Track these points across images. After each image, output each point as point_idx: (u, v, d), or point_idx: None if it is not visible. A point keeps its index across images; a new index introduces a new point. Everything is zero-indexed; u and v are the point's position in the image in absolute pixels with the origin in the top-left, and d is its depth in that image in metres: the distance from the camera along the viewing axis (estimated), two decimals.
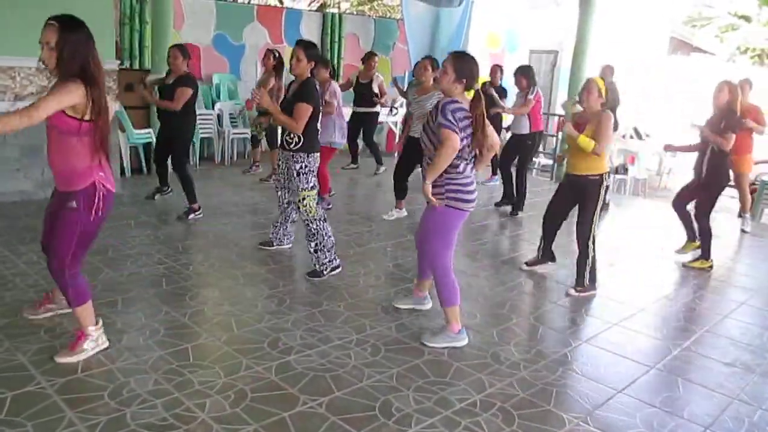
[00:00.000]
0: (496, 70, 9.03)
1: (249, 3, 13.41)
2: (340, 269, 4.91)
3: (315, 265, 4.84)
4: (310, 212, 4.80)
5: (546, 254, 5.31)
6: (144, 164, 8.26)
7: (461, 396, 3.25)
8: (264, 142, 8.53)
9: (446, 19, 10.75)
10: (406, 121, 6.99)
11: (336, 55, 11.05)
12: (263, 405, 3.03)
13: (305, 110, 4.67)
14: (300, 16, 10.92)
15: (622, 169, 10.34)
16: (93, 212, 3.16)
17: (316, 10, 13.59)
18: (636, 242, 6.61)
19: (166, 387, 3.13)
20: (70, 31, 3.00)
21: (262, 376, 3.29)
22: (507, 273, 5.31)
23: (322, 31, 10.94)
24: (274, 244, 5.43)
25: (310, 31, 10.79)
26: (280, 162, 5.01)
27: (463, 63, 3.68)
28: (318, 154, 4.90)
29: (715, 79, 5.69)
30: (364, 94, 9.00)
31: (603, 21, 9.89)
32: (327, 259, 4.83)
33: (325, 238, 4.83)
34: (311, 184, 4.82)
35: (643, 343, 4.13)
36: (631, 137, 12.71)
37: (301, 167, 4.77)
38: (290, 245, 5.47)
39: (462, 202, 3.68)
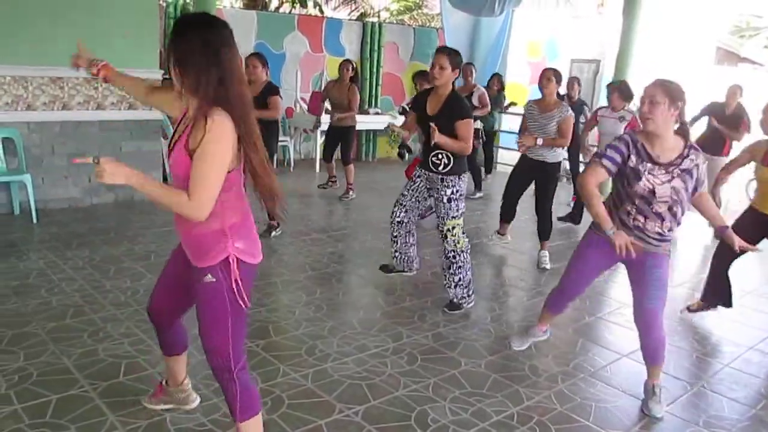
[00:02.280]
0: (574, 83, 8.36)
1: (290, 13, 13.60)
2: (473, 303, 4.55)
3: (454, 298, 4.48)
4: (459, 243, 4.38)
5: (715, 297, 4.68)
6: None
7: (498, 408, 3.22)
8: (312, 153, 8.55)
9: (486, 28, 10.74)
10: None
11: (376, 64, 11.10)
12: (299, 412, 3.05)
13: (471, 126, 4.27)
14: (340, 25, 11.01)
15: None
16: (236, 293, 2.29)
17: (356, 20, 13.69)
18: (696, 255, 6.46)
19: (204, 392, 3.17)
20: (183, 35, 2.12)
21: (298, 383, 3.31)
22: (547, 284, 5.24)
23: (362, 40, 11.01)
24: (396, 269, 4.97)
25: (350, 41, 10.87)
26: (418, 179, 4.51)
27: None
28: (466, 174, 4.49)
29: (763, 91, 5.54)
30: None
31: (647, 30, 9.73)
32: (467, 293, 4.49)
33: (468, 272, 4.46)
34: (460, 211, 4.38)
35: (686, 360, 4.03)
36: None
37: (453, 192, 4.31)
38: (413, 272, 5.02)
39: None
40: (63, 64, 6.40)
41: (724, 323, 4.63)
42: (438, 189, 4.35)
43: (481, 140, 8.84)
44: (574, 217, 7.28)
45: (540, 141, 5.35)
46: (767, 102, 4.23)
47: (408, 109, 4.81)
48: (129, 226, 6.07)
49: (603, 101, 7.25)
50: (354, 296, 4.63)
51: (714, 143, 7.04)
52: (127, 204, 6.87)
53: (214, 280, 2.25)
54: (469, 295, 4.48)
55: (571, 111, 5.43)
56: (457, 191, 4.33)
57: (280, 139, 9.62)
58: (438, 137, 4.12)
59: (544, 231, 5.73)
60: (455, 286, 4.43)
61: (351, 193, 7.87)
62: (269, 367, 3.47)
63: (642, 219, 3.12)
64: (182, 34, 2.11)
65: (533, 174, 5.63)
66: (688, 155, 3.05)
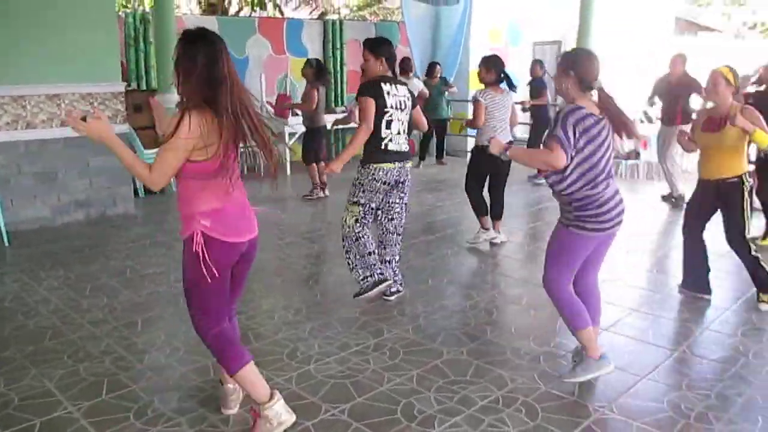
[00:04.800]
0: (536, 65, 9.27)
1: (250, 16, 13.51)
2: (386, 283, 4.40)
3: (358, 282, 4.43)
4: (345, 228, 4.43)
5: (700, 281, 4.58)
6: None
7: (483, 393, 3.26)
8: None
9: (447, 17, 10.78)
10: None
11: (339, 62, 11.08)
12: None
13: (364, 112, 4.32)
14: (301, 25, 10.97)
15: (635, 155, 10.26)
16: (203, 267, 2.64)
17: (317, 18, 13.65)
18: (653, 227, 6.57)
19: (189, 404, 3.16)
20: (184, 47, 2.54)
21: (282, 387, 3.32)
22: (523, 268, 5.31)
23: (324, 39, 10.98)
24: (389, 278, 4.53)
25: (311, 40, 10.84)
26: (396, 176, 4.38)
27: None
28: (378, 168, 4.34)
29: (723, 58, 5.63)
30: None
31: (605, 7, 9.83)
32: (359, 278, 4.41)
33: (355, 257, 4.42)
34: (356, 198, 4.37)
35: (665, 327, 4.12)
36: (641, 121, 12.63)
37: (355, 177, 4.40)
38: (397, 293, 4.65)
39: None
40: (24, 82, 6.33)
41: None
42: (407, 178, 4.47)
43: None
44: None
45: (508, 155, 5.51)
46: (712, 70, 4.26)
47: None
48: (103, 242, 6.01)
49: None
50: (332, 296, 4.64)
51: (667, 113, 7.21)
52: (99, 220, 6.80)
53: (186, 254, 2.68)
54: (364, 279, 4.35)
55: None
56: (356, 177, 4.33)
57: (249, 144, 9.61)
58: (333, 167, 4.36)
59: (497, 212, 5.90)
60: (351, 271, 4.44)
61: (316, 191, 7.89)
62: None
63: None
64: (181, 48, 2.53)
65: (491, 162, 5.67)
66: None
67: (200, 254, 2.61)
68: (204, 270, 2.62)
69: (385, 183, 4.30)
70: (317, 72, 7.78)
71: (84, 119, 2.46)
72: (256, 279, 4.98)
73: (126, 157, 2.54)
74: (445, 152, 10.81)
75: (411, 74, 9.58)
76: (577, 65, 3.09)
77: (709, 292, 4.50)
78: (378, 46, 4.36)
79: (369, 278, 4.35)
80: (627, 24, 13.09)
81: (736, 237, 4.30)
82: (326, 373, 3.47)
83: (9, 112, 6.31)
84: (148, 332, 4.01)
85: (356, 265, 4.39)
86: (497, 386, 3.33)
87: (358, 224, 4.36)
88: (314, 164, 7.93)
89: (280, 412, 2.78)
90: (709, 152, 4.27)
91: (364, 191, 4.31)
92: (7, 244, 5.92)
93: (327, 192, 7.93)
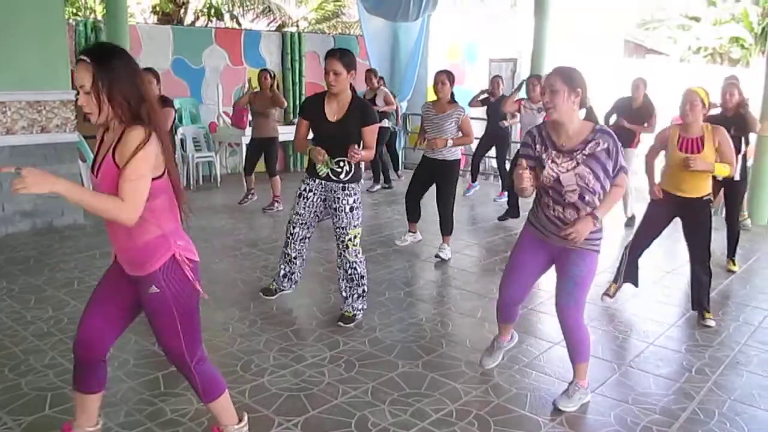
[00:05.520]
0: (498, 80, 8.99)
1: (207, 26, 13.40)
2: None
3: (351, 311, 4.32)
4: (359, 253, 4.28)
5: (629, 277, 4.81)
6: None
7: (437, 406, 3.26)
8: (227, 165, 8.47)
9: (404, 32, 10.88)
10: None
11: (297, 74, 11.06)
12: None
13: (376, 133, 4.20)
14: (259, 37, 10.91)
15: None
16: (189, 289, 2.48)
17: (275, 30, 13.62)
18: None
19: (137, 418, 3.08)
20: (106, 66, 2.26)
21: (235, 400, 3.22)
22: (478, 281, 5.35)
23: (282, 51, 10.95)
24: (278, 291, 4.67)
25: (270, 51, 10.79)
26: (310, 194, 4.28)
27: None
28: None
29: (669, 80, 5.81)
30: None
31: (558, 27, 10.08)
32: (361, 306, 4.37)
33: (364, 284, 4.36)
34: (360, 220, 4.25)
35: (613, 342, 4.19)
36: None
37: (355, 200, 4.19)
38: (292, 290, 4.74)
39: None
40: None
41: (647, 303, 4.84)
42: (339, 198, 4.18)
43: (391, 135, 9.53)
44: (512, 212, 7.43)
45: (450, 142, 5.61)
46: (688, 90, 4.29)
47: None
48: (49, 253, 5.83)
49: (522, 97, 7.48)
50: (288, 308, 4.58)
51: (623, 136, 7.34)
52: (46, 231, 6.58)
53: (158, 290, 2.40)
54: (365, 307, 4.39)
55: (466, 112, 5.77)
56: (357, 199, 4.22)
57: (205, 154, 9.50)
58: (356, 156, 4.04)
59: (446, 227, 5.93)
60: (358, 298, 4.32)
61: (277, 204, 7.79)
62: None
63: (560, 209, 3.09)
64: (106, 63, 2.26)
65: (435, 173, 5.84)
66: (593, 139, 2.98)
67: (190, 275, 2.45)
68: (193, 293, 2.48)
69: None
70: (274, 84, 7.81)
71: (17, 171, 2.06)
72: (210, 291, 4.86)
73: (88, 200, 2.21)
74: (401, 165, 10.74)
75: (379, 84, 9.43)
76: (583, 83, 3.02)
77: (637, 284, 4.78)
78: (350, 56, 4.11)
79: (363, 309, 4.39)
80: (579, 45, 13.45)
81: (701, 254, 4.42)
82: (280, 386, 3.41)
83: None
84: None
85: (364, 293, 4.38)
86: (451, 399, 3.34)
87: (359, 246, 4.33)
88: (277, 176, 7.88)
89: (244, 430, 2.76)
90: (683, 172, 4.27)
91: (361, 210, 4.31)
92: None
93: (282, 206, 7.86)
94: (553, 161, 3.03)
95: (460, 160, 5.95)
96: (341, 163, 4.12)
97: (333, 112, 4.14)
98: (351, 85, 4.17)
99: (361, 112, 4.14)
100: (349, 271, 4.28)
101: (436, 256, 5.86)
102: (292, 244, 4.44)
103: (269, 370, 3.60)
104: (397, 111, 9.83)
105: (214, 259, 5.77)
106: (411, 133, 11.29)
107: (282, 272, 4.58)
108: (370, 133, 4.15)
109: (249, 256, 5.89)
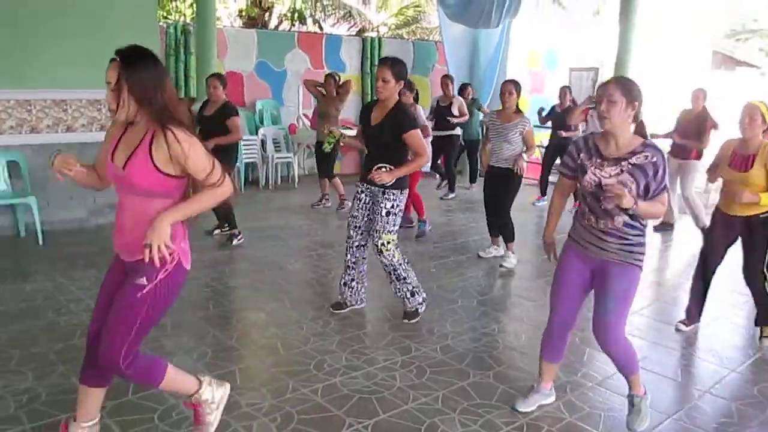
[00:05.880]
0: (565, 91, 8.84)
1: (290, 30, 13.70)
2: (425, 305, 4.55)
3: (409, 307, 4.45)
4: (395, 257, 4.32)
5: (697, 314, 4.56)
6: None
7: (507, 419, 3.21)
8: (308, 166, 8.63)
9: (484, 39, 10.81)
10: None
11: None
12: (310, 427, 3.05)
13: (420, 136, 4.20)
14: (340, 41, 11.08)
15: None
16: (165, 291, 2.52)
17: (355, 35, 13.78)
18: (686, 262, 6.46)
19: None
20: (132, 67, 2.41)
21: (308, 399, 3.31)
22: None
23: (362, 56, 11.08)
24: (349, 305, 4.62)
25: (350, 56, 10.95)
26: (362, 196, 4.39)
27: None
28: (407, 190, 4.40)
29: (760, 94, 5.55)
30: (442, 116, 8.96)
31: (643, 36, 9.78)
32: (418, 302, 4.46)
33: (413, 278, 4.44)
34: (396, 226, 4.32)
35: (693, 366, 4.03)
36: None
37: (392, 206, 4.24)
38: (364, 305, 4.70)
39: None
40: (66, 86, 6.46)
41: (728, 327, 4.62)
42: (378, 201, 4.26)
43: (461, 146, 9.56)
44: None
45: (525, 156, 5.66)
46: (748, 104, 4.15)
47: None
48: None
49: None
50: (362, 310, 4.62)
51: (682, 148, 7.17)
52: None
53: (144, 285, 2.46)
54: (424, 300, 4.50)
55: (530, 124, 5.73)
56: (396, 206, 4.25)
57: (284, 155, 9.72)
58: (384, 177, 4.08)
59: (506, 233, 5.89)
60: (411, 295, 4.42)
61: (346, 202, 7.92)
62: (279, 383, 3.47)
63: (593, 218, 3.01)
64: (132, 64, 2.40)
65: (499, 181, 5.79)
66: (642, 152, 2.89)
67: (171, 279, 2.50)
68: (168, 300, 2.55)
69: None
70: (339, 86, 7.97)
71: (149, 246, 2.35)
72: (285, 290, 4.99)
73: (196, 209, 2.49)
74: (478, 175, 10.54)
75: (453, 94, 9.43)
76: (641, 97, 2.94)
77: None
78: (401, 66, 4.20)
79: (423, 301, 4.50)
80: (665, 55, 13.02)
81: (755, 272, 4.23)
82: (352, 387, 3.45)
83: (50, 115, 6.46)
84: (177, 335, 4.04)
85: (416, 289, 4.45)
86: (522, 413, 3.28)
87: (398, 250, 4.37)
88: (336, 177, 8.03)
89: (212, 389, 2.79)
90: (735, 189, 4.08)
91: (400, 217, 4.36)
92: (41, 243, 6.03)
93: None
94: (596, 168, 2.97)
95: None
96: (383, 169, 4.16)
97: (375, 117, 4.26)
98: (400, 93, 4.27)
99: (395, 119, 4.17)
100: (391, 273, 4.38)
101: (501, 265, 5.81)
102: (350, 249, 4.50)
103: (341, 370, 3.65)
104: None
105: (290, 259, 5.89)
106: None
107: (343, 280, 4.59)
108: (411, 138, 4.15)
109: (324, 258, 5.98)
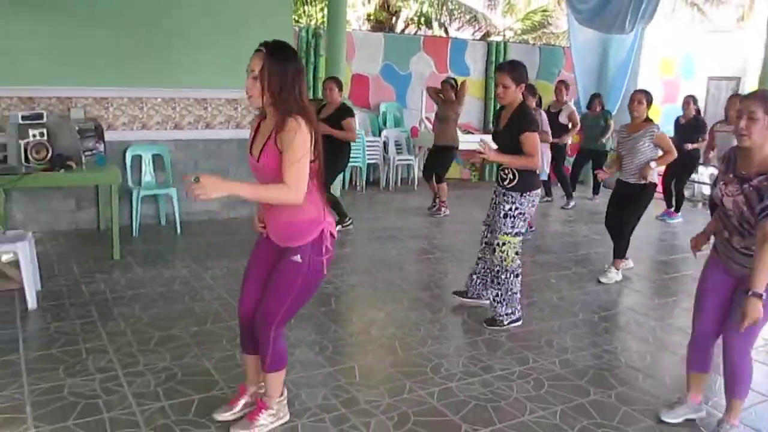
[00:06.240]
0: (689, 101, 8.28)
1: (416, 34, 13.84)
2: (520, 322, 4.46)
3: (494, 314, 4.43)
4: (506, 260, 4.32)
5: None
6: None
7: None
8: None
9: (615, 45, 10.42)
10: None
11: None
12: (425, 429, 3.07)
13: (536, 139, 4.21)
14: (465, 45, 11.07)
15: None
16: (321, 265, 2.80)
17: (479, 39, 13.71)
18: None
19: (333, 402, 3.27)
20: (276, 58, 2.61)
21: (424, 401, 3.34)
22: (684, 315, 4.98)
23: (487, 60, 11.01)
24: (470, 295, 4.76)
25: (474, 60, 10.91)
26: (493, 196, 4.48)
27: None
28: (536, 192, 4.36)
29: None
30: (552, 123, 8.58)
31: None
32: (505, 312, 4.40)
33: (509, 293, 4.38)
34: (516, 230, 4.31)
35: None
36: None
37: (510, 208, 4.27)
38: (486, 302, 4.69)
39: None
40: (206, 86, 6.85)
41: None
42: (499, 202, 4.35)
43: (564, 156, 9.19)
44: None
45: (653, 164, 5.35)
46: None
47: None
48: None
49: None
50: (479, 317, 4.60)
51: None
52: None
53: (300, 261, 2.73)
54: (510, 314, 4.40)
55: (660, 129, 5.44)
56: (516, 208, 4.27)
57: (405, 157, 9.84)
58: (494, 156, 4.19)
59: (619, 249, 5.65)
60: (497, 303, 4.40)
61: (444, 209, 7.95)
62: (396, 382, 3.52)
63: (727, 233, 2.92)
64: (277, 56, 2.61)
65: (627, 196, 5.53)
66: (766, 173, 2.72)
67: (329, 247, 2.79)
68: (323, 268, 2.80)
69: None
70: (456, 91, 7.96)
71: (197, 180, 2.40)
72: (403, 290, 5.06)
73: (261, 193, 2.63)
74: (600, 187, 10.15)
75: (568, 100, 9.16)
76: None
77: None
78: (521, 70, 4.30)
79: (511, 315, 4.42)
80: None
81: None
82: (468, 393, 3.44)
83: (192, 113, 6.90)
84: (300, 328, 4.19)
85: (504, 300, 4.40)
86: (666, 424, 3.15)
87: (517, 257, 4.38)
88: (444, 183, 8.05)
89: (282, 406, 3.03)
90: None
91: (524, 220, 4.36)
92: (179, 232, 6.46)
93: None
94: (725, 183, 2.86)
95: (656, 184, 5.58)
96: (506, 170, 4.30)
97: (502, 120, 4.38)
98: (523, 95, 4.36)
99: (517, 121, 4.24)
100: (493, 275, 4.41)
101: (598, 280, 5.58)
102: (481, 244, 4.68)
103: (458, 375, 3.65)
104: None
105: (409, 260, 5.96)
106: (613, 151, 10.78)
107: (472, 270, 4.80)
108: (526, 140, 4.18)
109: (441, 261, 6.01)
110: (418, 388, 3.46)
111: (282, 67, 2.60)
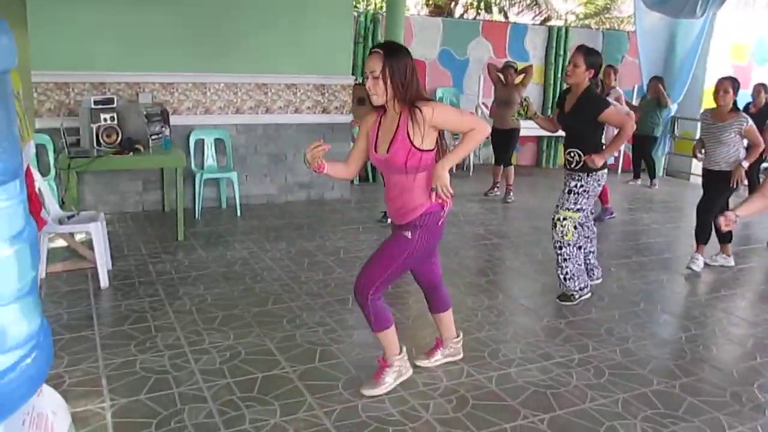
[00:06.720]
0: (761, 89, 7.84)
1: (475, 19, 13.69)
2: (588, 289, 4.60)
3: (565, 289, 4.55)
4: (566, 235, 4.41)
5: None
6: (370, 173, 8.76)
7: None
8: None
9: (684, 30, 10.06)
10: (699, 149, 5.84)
11: (561, 69, 10.84)
12: (484, 413, 3.08)
13: (615, 112, 4.37)
14: (525, 30, 10.88)
15: None
16: (429, 236, 3.07)
17: (540, 24, 13.46)
18: None
19: (396, 387, 3.28)
20: (394, 57, 2.87)
21: (482, 385, 3.35)
22: (752, 308, 4.83)
23: (547, 45, 10.80)
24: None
25: (534, 45, 10.73)
26: (564, 180, 4.56)
27: None
28: (602, 172, 4.40)
29: None
30: None
31: None
32: (577, 287, 4.51)
33: (576, 265, 4.49)
34: (578, 206, 4.40)
35: None
36: None
37: (575, 185, 4.38)
38: (600, 279, 4.92)
39: None
40: (267, 71, 6.96)
41: None
42: (566, 182, 4.46)
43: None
44: None
45: (745, 163, 5.29)
46: None
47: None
48: (320, 222, 6.47)
49: None
50: (536, 304, 4.56)
51: None
52: (318, 202, 7.32)
53: (409, 237, 3.01)
54: (581, 289, 4.53)
55: (750, 120, 5.27)
56: (581, 186, 4.37)
57: None
58: (599, 159, 4.25)
59: (701, 234, 5.53)
60: (565, 279, 4.50)
61: (511, 194, 7.95)
62: (454, 366, 3.53)
63: None
64: (394, 55, 2.88)
65: (714, 183, 5.45)
66: None
67: (441, 218, 3.06)
68: (432, 239, 3.08)
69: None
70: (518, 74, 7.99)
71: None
72: (461, 275, 5.05)
73: (464, 152, 3.07)
74: (656, 172, 9.87)
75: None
76: None
77: None
78: (596, 56, 4.35)
79: (583, 290, 4.54)
80: None
81: None
82: (527, 380, 3.43)
83: (253, 97, 7.02)
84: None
85: (575, 275, 4.50)
86: (712, 429, 3.07)
87: (576, 231, 4.46)
88: (511, 167, 8.06)
89: (404, 362, 3.28)
90: None
91: (588, 197, 4.41)
92: (239, 214, 6.60)
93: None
94: None
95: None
96: (572, 153, 4.39)
97: (568, 103, 4.41)
98: (605, 73, 4.63)
99: (587, 104, 4.29)
100: (557, 250, 4.50)
101: (688, 267, 5.49)
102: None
103: (516, 361, 3.63)
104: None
105: (466, 245, 5.95)
106: (679, 138, 10.47)
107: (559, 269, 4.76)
108: (607, 116, 4.27)
109: (498, 248, 5.97)
110: (475, 373, 3.47)
111: (402, 63, 2.87)
